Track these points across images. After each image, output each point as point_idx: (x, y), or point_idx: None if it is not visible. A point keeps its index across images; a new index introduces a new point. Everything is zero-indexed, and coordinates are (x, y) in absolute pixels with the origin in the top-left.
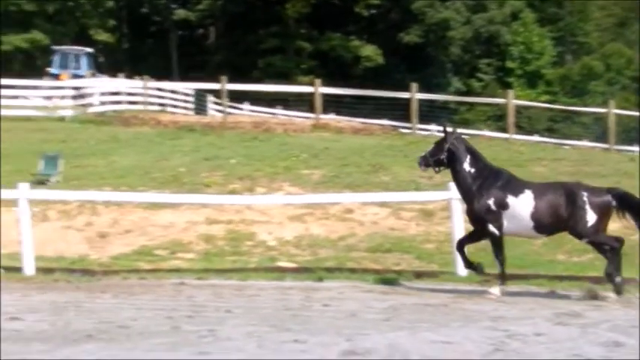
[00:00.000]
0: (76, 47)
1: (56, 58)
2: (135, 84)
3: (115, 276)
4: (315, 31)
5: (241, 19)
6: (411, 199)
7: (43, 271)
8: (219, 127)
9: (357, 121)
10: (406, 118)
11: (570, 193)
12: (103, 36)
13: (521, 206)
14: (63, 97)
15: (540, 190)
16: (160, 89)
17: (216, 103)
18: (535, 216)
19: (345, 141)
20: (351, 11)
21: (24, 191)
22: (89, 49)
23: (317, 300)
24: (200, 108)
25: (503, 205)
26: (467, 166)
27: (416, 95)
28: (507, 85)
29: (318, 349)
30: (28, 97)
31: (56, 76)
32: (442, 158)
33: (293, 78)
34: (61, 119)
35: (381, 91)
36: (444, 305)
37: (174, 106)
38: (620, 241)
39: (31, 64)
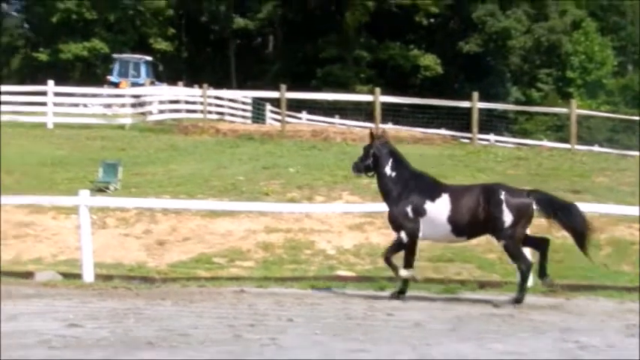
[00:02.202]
0: (135, 55)
1: (116, 67)
2: (194, 92)
3: (174, 283)
4: (374, 41)
5: (300, 28)
6: None
7: (102, 277)
8: (277, 136)
9: (417, 131)
10: (465, 127)
11: (488, 193)
12: (162, 44)
13: (438, 211)
14: (122, 105)
15: (458, 192)
16: (218, 98)
17: (274, 112)
18: (452, 219)
19: (404, 150)
20: (411, 20)
21: (84, 198)
22: (149, 58)
23: (380, 309)
24: (258, 117)
25: (420, 212)
26: (388, 170)
27: (477, 104)
28: (567, 95)
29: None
30: (87, 105)
31: (116, 84)
32: (369, 163)
33: (351, 87)
34: (121, 127)
35: (441, 100)
36: (510, 316)
37: (233, 115)
38: (528, 265)
39: (91, 73)
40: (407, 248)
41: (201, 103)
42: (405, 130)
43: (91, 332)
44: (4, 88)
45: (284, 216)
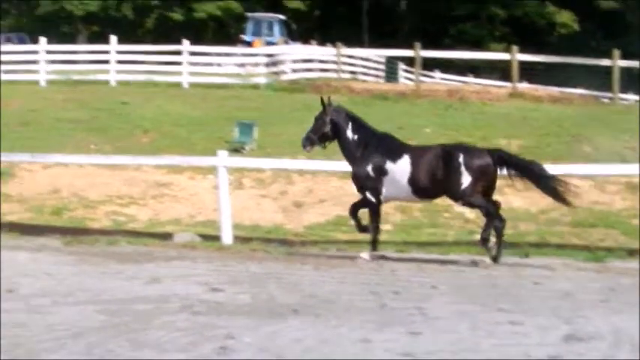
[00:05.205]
0: (268, 14)
1: (249, 26)
2: (327, 51)
3: (312, 247)
4: None
5: None
6: (617, 172)
7: (241, 240)
8: (412, 95)
9: (554, 90)
10: (603, 86)
11: (447, 155)
12: (294, 3)
13: (399, 172)
14: (256, 65)
15: (418, 154)
16: (351, 56)
17: (407, 71)
18: (412, 181)
19: (543, 110)
20: None
21: (223, 159)
22: (282, 17)
23: (526, 277)
24: (391, 76)
25: (381, 172)
26: (350, 133)
27: (618, 62)
28: None
29: (536, 333)
30: (221, 65)
31: (249, 44)
32: (327, 131)
33: (485, 45)
34: (255, 87)
35: (580, 58)
36: None
37: (366, 74)
38: (496, 205)
39: (224, 32)
40: (372, 209)
41: (335, 62)
42: (541, 89)
43: (233, 297)
44: (140, 47)
45: None
